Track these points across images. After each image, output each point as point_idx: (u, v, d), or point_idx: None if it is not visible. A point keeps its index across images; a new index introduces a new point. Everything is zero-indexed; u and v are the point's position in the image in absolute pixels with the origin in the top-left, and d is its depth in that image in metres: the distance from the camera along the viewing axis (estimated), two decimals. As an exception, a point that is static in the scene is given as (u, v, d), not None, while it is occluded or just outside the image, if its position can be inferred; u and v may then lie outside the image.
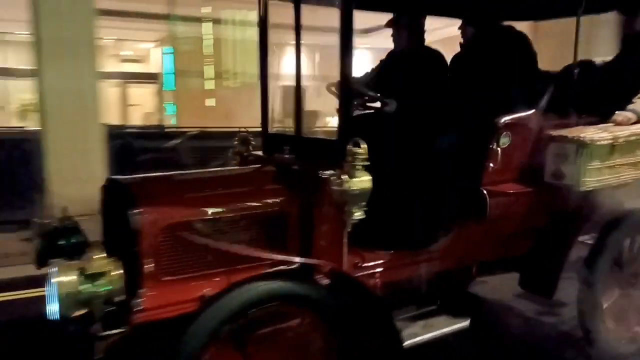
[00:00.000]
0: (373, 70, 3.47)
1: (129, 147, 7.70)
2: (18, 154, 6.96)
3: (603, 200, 2.92)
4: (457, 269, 2.82)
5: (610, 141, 2.78)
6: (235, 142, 2.94)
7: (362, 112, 3.21)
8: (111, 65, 15.71)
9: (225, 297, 1.90)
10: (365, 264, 2.54)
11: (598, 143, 2.74)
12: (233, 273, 2.08)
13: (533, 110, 2.86)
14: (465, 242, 2.76)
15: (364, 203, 2.26)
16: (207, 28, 14.17)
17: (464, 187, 2.72)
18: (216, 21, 14.21)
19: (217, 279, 2.07)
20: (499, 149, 2.70)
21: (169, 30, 14.43)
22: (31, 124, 12.77)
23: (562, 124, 2.92)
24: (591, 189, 2.76)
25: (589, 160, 2.73)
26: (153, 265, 1.99)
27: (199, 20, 14.09)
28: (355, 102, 3.07)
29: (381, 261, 2.59)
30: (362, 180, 2.23)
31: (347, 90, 2.39)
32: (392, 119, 3.02)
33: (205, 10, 14.01)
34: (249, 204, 2.26)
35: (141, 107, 15.70)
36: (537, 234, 2.95)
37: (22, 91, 14.83)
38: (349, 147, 2.24)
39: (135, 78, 15.95)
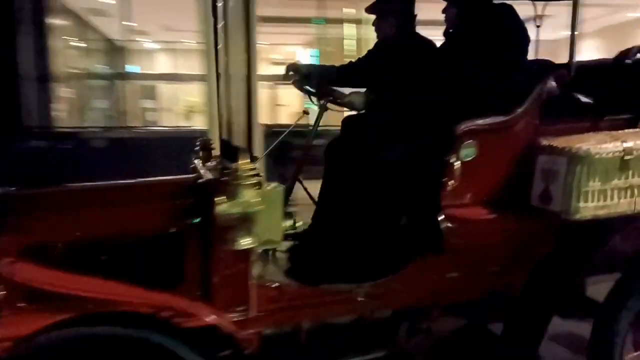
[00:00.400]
0: (351, 63, 3.07)
1: (282, 145, 8.10)
2: (187, 150, 7.61)
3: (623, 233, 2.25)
4: (413, 309, 2.33)
5: (619, 154, 2.11)
6: (196, 148, 2.74)
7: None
8: (263, 68, 16.51)
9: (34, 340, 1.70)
10: (284, 300, 2.17)
11: (598, 156, 2.09)
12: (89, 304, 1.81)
13: (515, 112, 2.27)
14: (419, 277, 2.26)
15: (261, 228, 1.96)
16: (348, 29, 14.23)
17: (417, 210, 2.25)
18: (357, 22, 14.23)
19: (71, 309, 1.80)
20: (458, 162, 2.19)
21: (315, 33, 14.81)
22: (195, 124, 13.99)
23: (564, 129, 2.30)
24: (590, 217, 2.12)
25: (586, 179, 2.10)
26: (4, 291, 1.82)
27: (341, 21, 14.23)
28: (322, 102, 2.75)
29: (307, 297, 2.19)
30: (245, 202, 1.93)
31: (251, 88, 2.07)
32: (372, 121, 2.63)
33: (348, 11, 14.09)
34: (129, 224, 2.01)
35: (289, 107, 16.28)
36: (528, 273, 2.35)
37: (188, 94, 16.32)
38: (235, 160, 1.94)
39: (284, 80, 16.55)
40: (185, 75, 16.41)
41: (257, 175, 1.96)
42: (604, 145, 2.11)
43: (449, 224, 2.19)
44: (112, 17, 14.05)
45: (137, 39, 16.08)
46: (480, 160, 2.21)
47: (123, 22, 14.25)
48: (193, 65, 16.94)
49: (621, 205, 2.15)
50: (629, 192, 2.15)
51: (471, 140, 2.19)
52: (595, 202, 2.11)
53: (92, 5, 13.40)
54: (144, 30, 15.52)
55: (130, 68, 16.43)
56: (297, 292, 2.20)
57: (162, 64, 17.37)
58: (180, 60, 17.10)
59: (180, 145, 7.57)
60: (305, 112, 2.93)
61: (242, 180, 1.93)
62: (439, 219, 2.18)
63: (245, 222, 1.94)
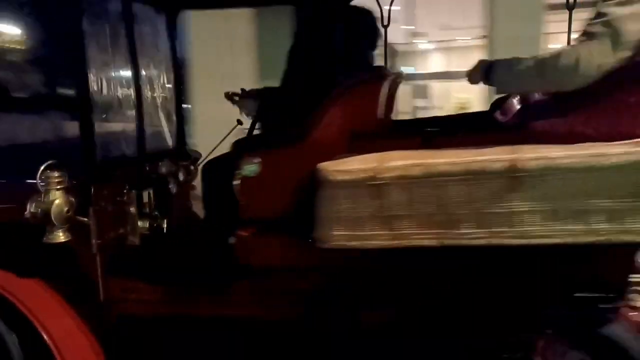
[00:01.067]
0: None
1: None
2: None
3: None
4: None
5: (364, 177, 1.76)
6: None
7: None
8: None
9: None
10: (132, 292, 2.44)
11: (342, 178, 1.80)
12: None
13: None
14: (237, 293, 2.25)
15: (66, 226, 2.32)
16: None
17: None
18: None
19: None
20: (238, 180, 2.11)
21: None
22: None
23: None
24: (341, 246, 1.83)
25: (332, 203, 1.83)
26: None
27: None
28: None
29: (150, 294, 2.41)
30: (48, 202, 2.30)
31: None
32: None
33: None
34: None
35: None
36: None
37: (459, 91, 16.36)
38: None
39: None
40: (457, 73, 16.49)
41: (62, 180, 2.32)
42: (353, 166, 1.81)
43: (241, 244, 2.15)
44: (394, 23, 14.97)
45: (414, 41, 16.76)
46: (270, 177, 2.09)
47: (403, 26, 15.06)
48: (466, 63, 16.73)
49: (379, 236, 1.79)
50: (386, 223, 1.78)
51: (254, 157, 2.10)
52: (345, 230, 1.82)
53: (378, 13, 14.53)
54: (421, 32, 16.07)
55: (405, 69, 17.21)
56: (141, 287, 2.47)
57: (436, 63, 17.69)
58: (453, 58, 17.16)
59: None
60: (239, 122, 3.02)
61: (47, 185, 2.32)
62: (230, 238, 2.17)
63: (50, 219, 2.33)
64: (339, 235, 1.83)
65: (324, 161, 2.03)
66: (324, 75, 2.18)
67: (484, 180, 1.66)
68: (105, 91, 2.68)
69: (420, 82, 17.35)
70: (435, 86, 17.64)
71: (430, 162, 1.71)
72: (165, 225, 2.63)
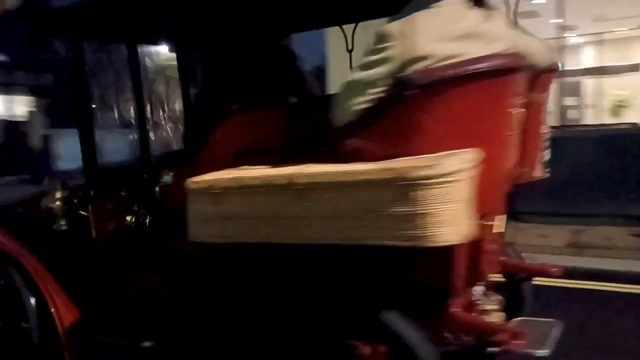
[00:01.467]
0: None
1: None
2: (622, 150, 7.50)
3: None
4: None
5: (203, 187, 2.26)
6: None
7: None
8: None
9: None
10: (125, 280, 3.18)
11: (192, 188, 2.32)
12: None
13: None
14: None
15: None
16: None
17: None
18: None
19: None
20: (159, 187, 2.72)
21: None
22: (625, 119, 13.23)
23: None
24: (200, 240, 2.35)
25: (192, 207, 2.36)
26: None
27: None
28: None
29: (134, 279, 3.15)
30: (53, 201, 3.15)
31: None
32: None
33: None
34: None
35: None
36: None
37: (616, 88, 15.24)
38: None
39: None
40: (612, 68, 15.39)
41: (63, 185, 3.15)
42: (202, 178, 2.31)
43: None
44: (540, 17, 14.46)
45: (563, 35, 15.89)
46: (178, 186, 2.67)
47: (551, 20, 14.44)
48: (622, 56, 15.53)
49: (220, 233, 2.27)
50: (223, 223, 2.26)
51: (169, 171, 2.70)
52: (200, 228, 2.33)
53: (523, 8, 14.16)
54: (571, 25, 15.20)
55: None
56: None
57: (587, 58, 16.53)
58: (606, 52, 15.93)
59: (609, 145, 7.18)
60: None
61: (52, 189, 3.17)
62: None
63: (54, 213, 3.17)
64: (198, 232, 2.36)
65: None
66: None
67: (275, 191, 2.08)
68: (110, 111, 3.47)
69: (570, 79, 16.31)
70: (588, 83, 16.49)
71: (241, 176, 2.17)
72: (147, 221, 3.35)
